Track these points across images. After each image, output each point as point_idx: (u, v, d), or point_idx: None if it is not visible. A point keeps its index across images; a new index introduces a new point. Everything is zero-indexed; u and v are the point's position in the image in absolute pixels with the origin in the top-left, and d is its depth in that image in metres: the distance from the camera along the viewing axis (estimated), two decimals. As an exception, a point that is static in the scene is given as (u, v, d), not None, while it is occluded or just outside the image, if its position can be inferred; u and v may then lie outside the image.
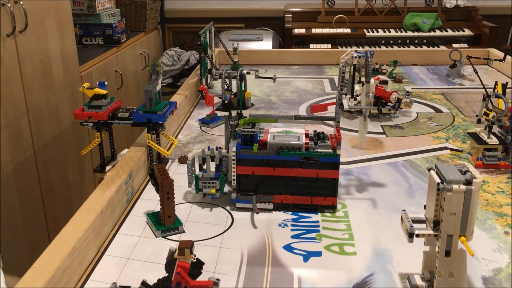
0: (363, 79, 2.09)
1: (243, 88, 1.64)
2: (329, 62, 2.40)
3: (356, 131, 1.51)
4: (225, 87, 1.61)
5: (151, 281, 0.75)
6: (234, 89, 1.64)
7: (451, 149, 1.38)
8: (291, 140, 1.03)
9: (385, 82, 1.61)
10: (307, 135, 1.07)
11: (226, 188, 1.09)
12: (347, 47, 3.44)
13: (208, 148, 1.08)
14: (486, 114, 1.29)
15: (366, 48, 1.25)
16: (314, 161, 1.02)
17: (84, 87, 1.20)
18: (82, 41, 2.85)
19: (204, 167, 1.08)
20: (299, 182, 1.04)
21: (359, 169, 1.27)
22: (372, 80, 1.13)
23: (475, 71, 1.60)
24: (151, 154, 1.25)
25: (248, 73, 1.62)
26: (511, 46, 3.82)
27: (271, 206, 1.05)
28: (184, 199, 1.12)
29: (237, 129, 1.05)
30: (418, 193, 1.14)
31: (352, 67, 1.62)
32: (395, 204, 1.09)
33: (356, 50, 1.10)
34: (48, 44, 2.02)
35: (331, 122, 1.11)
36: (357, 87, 1.63)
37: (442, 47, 3.44)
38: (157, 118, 1.19)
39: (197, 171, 1.09)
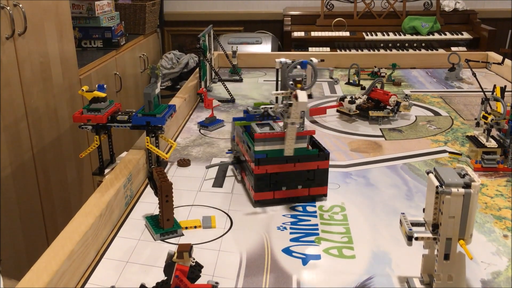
0: (362, 82, 2.10)
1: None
2: (328, 65, 2.41)
3: (356, 134, 1.51)
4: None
5: (150, 284, 0.75)
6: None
7: (450, 152, 1.38)
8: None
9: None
10: None
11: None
12: (346, 50, 3.45)
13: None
14: (485, 117, 1.29)
15: (313, 59, 1.19)
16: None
17: (83, 90, 1.20)
18: (81, 44, 2.85)
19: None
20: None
21: (358, 172, 1.27)
22: (304, 95, 1.00)
23: (474, 74, 1.61)
24: (150, 157, 1.25)
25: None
26: (509, 49, 3.83)
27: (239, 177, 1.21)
28: (183, 202, 1.12)
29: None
30: (417, 196, 1.14)
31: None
32: (394, 207, 1.09)
33: (293, 60, 1.09)
34: (47, 47, 2.02)
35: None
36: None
37: (441, 51, 3.45)
38: (156, 121, 1.19)
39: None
